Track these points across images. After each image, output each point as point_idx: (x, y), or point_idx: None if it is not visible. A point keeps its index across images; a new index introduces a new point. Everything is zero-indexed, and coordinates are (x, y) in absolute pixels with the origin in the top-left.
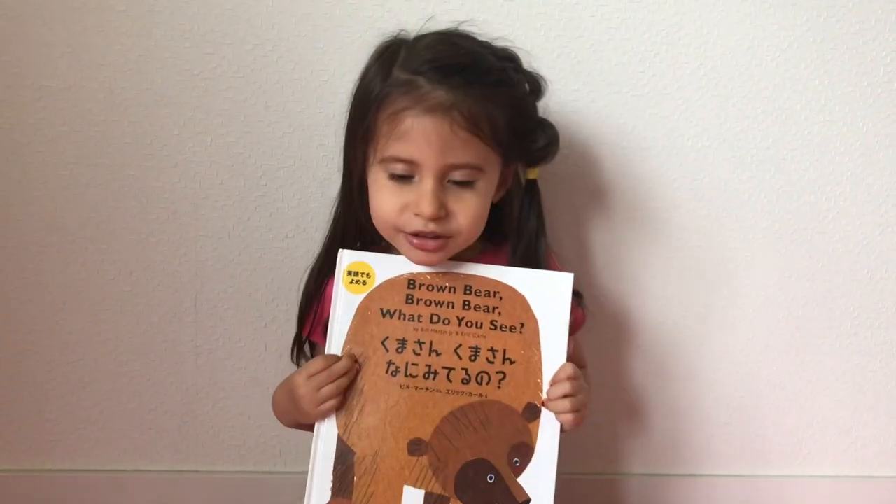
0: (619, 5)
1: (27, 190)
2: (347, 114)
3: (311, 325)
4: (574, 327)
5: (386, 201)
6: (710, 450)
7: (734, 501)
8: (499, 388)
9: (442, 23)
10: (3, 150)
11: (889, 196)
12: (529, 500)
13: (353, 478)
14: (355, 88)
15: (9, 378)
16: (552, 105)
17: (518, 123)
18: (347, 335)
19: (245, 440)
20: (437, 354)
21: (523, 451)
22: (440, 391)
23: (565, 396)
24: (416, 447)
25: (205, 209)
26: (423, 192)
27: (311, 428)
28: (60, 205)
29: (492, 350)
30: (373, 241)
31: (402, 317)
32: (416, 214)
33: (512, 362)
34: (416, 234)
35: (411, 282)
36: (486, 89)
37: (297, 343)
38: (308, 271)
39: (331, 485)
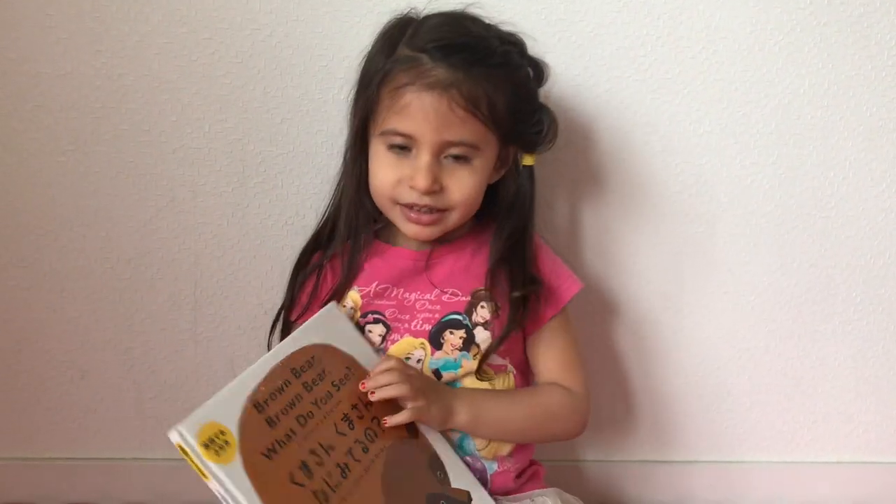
0: None
1: (24, 177)
2: (354, 85)
3: (305, 306)
4: (539, 320)
5: (383, 173)
6: (711, 436)
7: (736, 488)
8: (382, 430)
9: (448, 4)
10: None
11: (892, 181)
12: (468, 492)
13: None
14: (362, 61)
15: (8, 367)
16: (553, 90)
17: (517, 107)
18: None
19: None
20: (332, 449)
21: (436, 462)
22: (362, 473)
23: (385, 386)
24: None
25: (203, 196)
26: (419, 166)
27: None
28: (58, 192)
29: (354, 406)
30: (371, 218)
31: (281, 445)
32: (412, 187)
33: (370, 402)
34: (411, 207)
35: (257, 405)
36: (486, 70)
37: (284, 322)
38: (301, 251)
39: None
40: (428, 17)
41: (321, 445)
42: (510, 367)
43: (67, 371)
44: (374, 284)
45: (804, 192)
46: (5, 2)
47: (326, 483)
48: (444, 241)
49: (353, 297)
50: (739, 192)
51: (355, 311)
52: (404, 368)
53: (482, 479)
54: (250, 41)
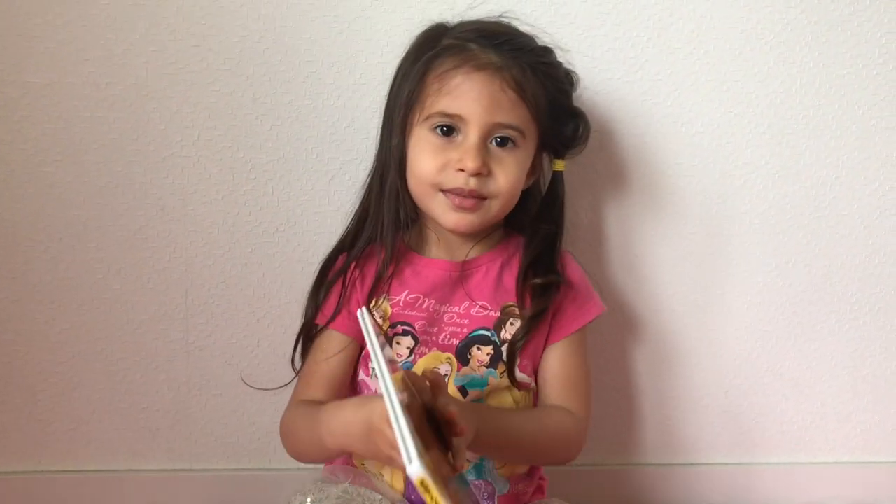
0: None
1: (12, 188)
2: (389, 88)
3: (335, 311)
4: (565, 327)
5: (428, 158)
6: (709, 438)
7: (734, 490)
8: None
9: (435, 12)
10: None
11: (886, 179)
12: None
13: None
14: (398, 67)
15: None
16: None
17: (557, 102)
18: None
19: (238, 438)
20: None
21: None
22: None
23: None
24: None
25: (193, 204)
26: (468, 146)
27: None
28: (47, 203)
29: None
30: (407, 214)
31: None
32: (459, 170)
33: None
34: (456, 193)
35: None
36: (533, 60)
37: (305, 333)
38: (327, 256)
39: None
40: (464, 21)
41: None
42: (533, 385)
43: (59, 382)
44: (404, 294)
45: (797, 191)
46: None
47: None
48: (477, 249)
49: (384, 306)
50: (732, 193)
51: (384, 320)
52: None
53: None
54: (239, 48)
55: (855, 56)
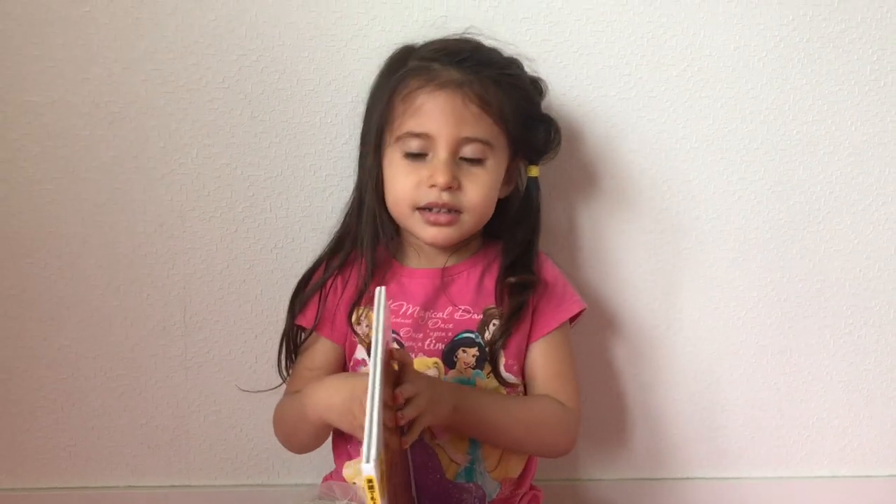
0: (605, 8)
1: (12, 205)
2: (364, 110)
3: (316, 316)
4: (544, 326)
5: (402, 180)
6: (706, 453)
7: None
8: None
9: (432, 29)
10: None
11: (879, 194)
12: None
13: None
14: (370, 91)
15: None
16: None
17: (524, 111)
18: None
19: (237, 453)
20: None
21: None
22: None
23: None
24: None
25: (192, 221)
26: (437, 162)
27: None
28: (46, 220)
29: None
30: (385, 233)
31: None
32: (431, 186)
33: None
34: (430, 208)
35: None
36: (494, 73)
37: (287, 337)
38: (308, 269)
39: None
40: (430, 41)
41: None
42: (521, 386)
43: (58, 399)
44: (388, 302)
45: (792, 206)
46: None
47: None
48: (457, 257)
49: (369, 314)
50: (727, 208)
51: (370, 328)
52: (426, 390)
53: None
54: (237, 66)
55: (846, 72)
